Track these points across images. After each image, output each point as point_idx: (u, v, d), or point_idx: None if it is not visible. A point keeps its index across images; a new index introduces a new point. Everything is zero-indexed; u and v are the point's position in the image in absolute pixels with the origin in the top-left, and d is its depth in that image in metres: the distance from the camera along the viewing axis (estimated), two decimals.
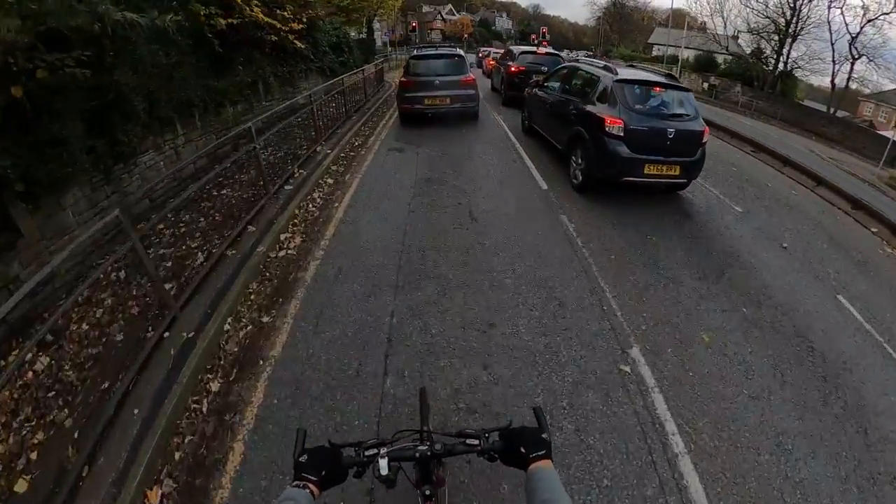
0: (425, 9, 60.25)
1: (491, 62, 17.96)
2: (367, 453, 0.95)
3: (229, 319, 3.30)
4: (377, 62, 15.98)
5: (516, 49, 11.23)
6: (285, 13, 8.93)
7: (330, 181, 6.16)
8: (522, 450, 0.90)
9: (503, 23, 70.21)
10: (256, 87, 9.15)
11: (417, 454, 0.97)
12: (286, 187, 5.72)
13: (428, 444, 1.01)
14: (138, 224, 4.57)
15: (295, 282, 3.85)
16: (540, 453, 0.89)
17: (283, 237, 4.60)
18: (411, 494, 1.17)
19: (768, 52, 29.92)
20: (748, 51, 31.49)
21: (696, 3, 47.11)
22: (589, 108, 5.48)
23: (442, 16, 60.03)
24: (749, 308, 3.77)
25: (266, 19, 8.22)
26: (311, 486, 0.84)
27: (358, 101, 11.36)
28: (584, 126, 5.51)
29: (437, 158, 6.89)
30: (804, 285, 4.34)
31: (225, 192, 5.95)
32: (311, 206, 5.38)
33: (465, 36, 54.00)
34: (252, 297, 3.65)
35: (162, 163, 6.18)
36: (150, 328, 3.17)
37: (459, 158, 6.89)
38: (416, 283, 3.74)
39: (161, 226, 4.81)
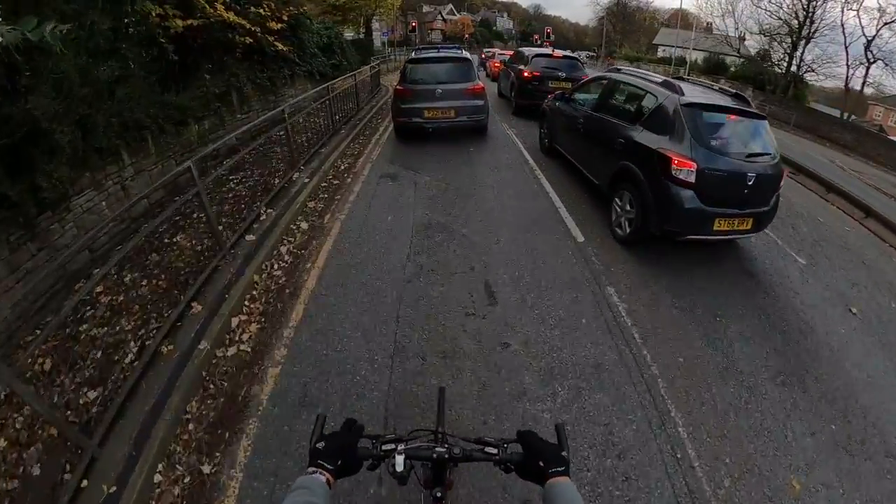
0: (425, 8, 58.54)
1: (496, 64, 16.47)
2: (384, 447, 0.94)
3: (161, 466, 2.25)
4: (373, 64, 14.53)
5: (528, 51, 9.81)
6: (261, 10, 7.47)
7: (304, 226, 4.72)
8: (541, 463, 0.87)
9: (504, 23, 68.50)
10: (229, 97, 7.69)
11: (435, 455, 0.94)
12: (247, 237, 4.29)
13: (447, 446, 0.96)
14: (75, 284, 3.88)
15: (246, 404, 2.59)
16: (559, 469, 0.85)
17: (235, 322, 3.23)
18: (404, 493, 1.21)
19: (780, 54, 28.46)
20: (754, 52, 30.14)
21: (706, 2, 45.60)
22: (642, 137, 4.07)
23: (442, 16, 58.32)
24: (837, 423, 2.76)
25: (235, 19, 6.77)
26: (326, 474, 0.82)
27: (349, 110, 9.91)
28: (635, 162, 4.11)
29: (440, 192, 5.47)
30: (883, 370, 3.24)
31: (179, 238, 4.56)
32: (276, 266, 3.97)
33: (466, 36, 52.35)
34: (190, 426, 2.43)
35: (104, 203, 4.83)
36: (66, 469, 2.23)
37: (467, 192, 5.47)
38: (412, 420, 2.41)
39: (100, 289, 3.59)
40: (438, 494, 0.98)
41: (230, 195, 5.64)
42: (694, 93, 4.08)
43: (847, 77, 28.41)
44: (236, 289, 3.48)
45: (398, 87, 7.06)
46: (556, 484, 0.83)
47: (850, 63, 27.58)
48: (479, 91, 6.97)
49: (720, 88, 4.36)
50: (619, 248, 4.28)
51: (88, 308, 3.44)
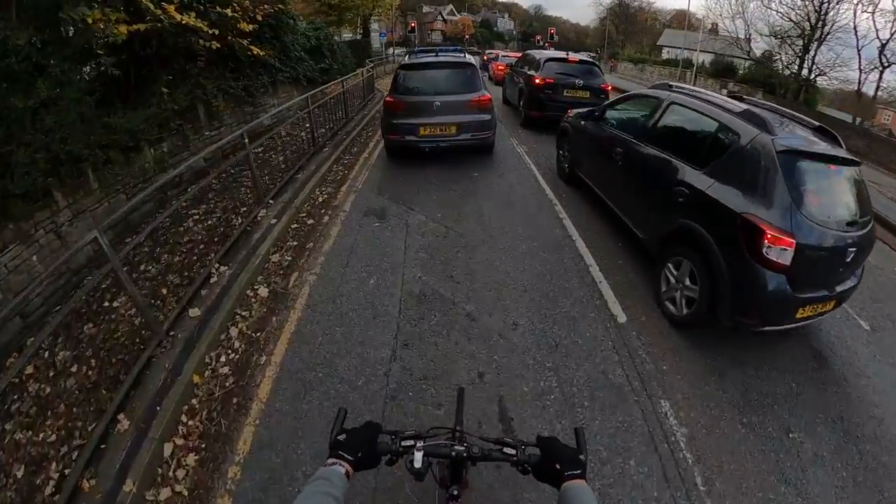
0: (426, 9, 57.14)
1: (500, 67, 15.23)
2: (403, 443, 0.93)
3: None
4: (369, 67, 13.31)
5: (539, 54, 8.53)
6: (228, 11, 6.26)
7: (263, 292, 3.56)
8: (558, 466, 0.86)
9: (505, 24, 67.04)
10: (194, 112, 6.50)
11: (454, 453, 0.93)
12: (190, 311, 3.16)
13: (465, 444, 0.96)
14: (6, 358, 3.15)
15: None
16: (576, 472, 0.84)
17: (168, 449, 2.28)
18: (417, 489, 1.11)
19: (790, 56, 27.18)
20: (758, 55, 28.90)
21: (716, 3, 44.15)
22: (715, 190, 2.92)
23: (443, 16, 56.92)
24: None
25: (192, 21, 5.57)
26: (345, 465, 0.82)
27: (338, 120, 8.70)
28: (702, 222, 2.97)
29: (438, 239, 4.29)
30: None
31: (119, 302, 3.56)
32: (222, 359, 2.89)
33: (467, 37, 50.97)
34: None
35: (35, 257, 3.84)
36: None
37: (473, 240, 4.30)
38: None
39: (30, 369, 2.92)
40: (455, 492, 0.98)
41: (185, 238, 4.53)
42: (786, 130, 2.92)
43: (859, 81, 27.29)
44: (171, 396, 2.47)
45: (389, 98, 5.86)
46: (571, 487, 0.82)
47: (862, 67, 26.55)
48: (486, 103, 5.78)
49: (819, 127, 3.19)
50: (670, 330, 3.13)
51: (16, 397, 2.74)
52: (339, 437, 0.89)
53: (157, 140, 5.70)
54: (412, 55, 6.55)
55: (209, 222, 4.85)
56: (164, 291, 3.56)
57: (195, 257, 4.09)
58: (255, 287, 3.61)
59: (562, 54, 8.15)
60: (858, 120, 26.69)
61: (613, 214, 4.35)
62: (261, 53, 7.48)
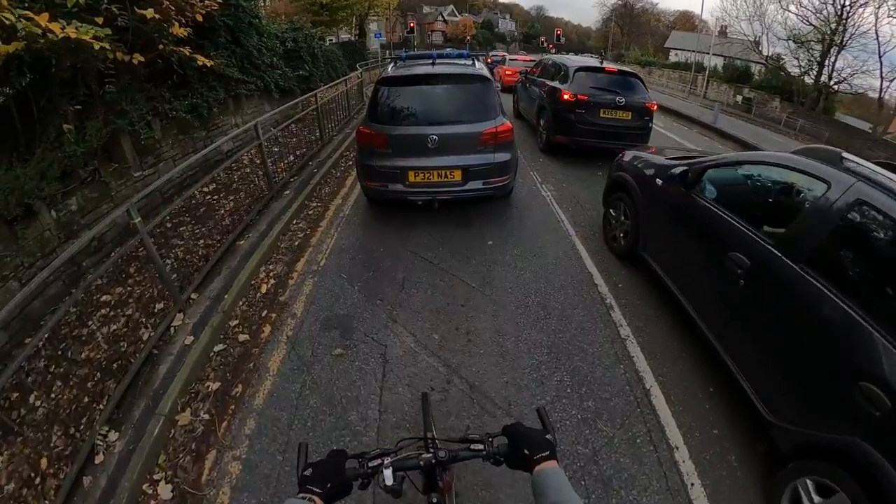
0: (426, 9, 54.86)
1: (508, 72, 13.21)
2: (370, 464, 0.89)
3: None
4: (359, 73, 11.34)
5: (565, 62, 6.48)
6: (148, 13, 4.27)
7: (164, 492, 1.68)
8: (526, 451, 0.83)
9: (506, 25, 64.60)
10: (118, 148, 4.59)
11: (422, 462, 0.90)
12: None
13: (432, 451, 0.92)
14: None
15: None
16: (544, 454, 0.82)
17: None
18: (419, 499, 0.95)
19: (808, 61, 25.13)
20: (760, 57, 26.84)
21: (732, 4, 42.05)
22: None
23: (443, 17, 54.59)
24: None
25: (79, 35, 3.56)
26: (316, 498, 0.77)
27: (311, 144, 6.79)
28: None
29: (434, 397, 2.38)
30: None
31: None
32: None
33: (468, 38, 48.67)
34: None
35: None
36: None
37: (491, 403, 2.40)
38: None
39: None
40: (435, 500, 0.94)
41: (84, 354, 2.74)
42: None
43: (881, 89, 25.29)
44: None
45: (363, 128, 3.93)
46: (542, 471, 0.79)
47: (884, 74, 24.51)
48: (506, 137, 3.85)
49: None
50: None
51: None
52: (305, 473, 0.83)
53: (63, 196, 3.82)
54: (398, 62, 4.42)
55: (115, 326, 3.03)
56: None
57: (83, 404, 2.36)
58: (154, 478, 1.79)
59: (594, 62, 6.18)
60: (878, 128, 24.83)
61: (706, 343, 2.48)
62: (210, 63, 5.52)
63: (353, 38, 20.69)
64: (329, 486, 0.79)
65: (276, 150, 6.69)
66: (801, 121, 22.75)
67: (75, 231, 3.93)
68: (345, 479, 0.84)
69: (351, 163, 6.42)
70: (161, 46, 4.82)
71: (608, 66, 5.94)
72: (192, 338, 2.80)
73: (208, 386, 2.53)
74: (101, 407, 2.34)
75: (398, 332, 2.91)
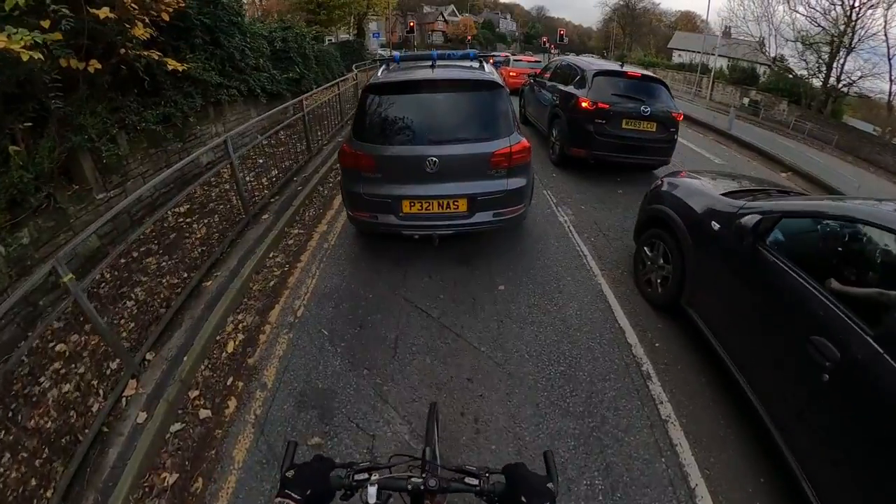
0: (426, 9, 53.94)
1: (513, 74, 12.44)
2: (357, 477, 0.85)
3: None
4: (354, 74, 10.58)
5: (581, 64, 5.74)
6: (102, 13, 3.53)
7: None
8: (524, 498, 0.76)
9: (507, 25, 63.65)
10: (77, 168, 3.92)
11: (410, 486, 0.84)
12: None
13: (424, 476, 0.86)
14: None
15: None
16: None
17: None
18: None
19: (815, 63, 24.35)
20: (766, 59, 26.06)
21: (739, 5, 41.28)
22: None
23: (444, 17, 53.66)
24: None
25: (8, 45, 2.83)
26: None
27: (297, 156, 6.09)
28: None
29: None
30: None
31: None
32: None
33: (469, 38, 47.76)
34: None
35: None
36: None
37: None
38: None
39: None
40: None
41: (31, 426, 2.29)
42: None
43: (890, 93, 24.54)
44: None
45: (346, 147, 3.19)
46: None
47: (893, 77, 23.74)
48: (522, 158, 3.13)
49: None
50: None
51: None
52: (287, 474, 0.80)
53: (13, 227, 3.16)
54: (390, 65, 3.56)
55: (66, 387, 2.47)
56: None
57: (31, 487, 1.95)
58: None
59: (615, 66, 5.45)
60: (889, 132, 24.07)
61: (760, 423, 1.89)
62: (181, 67, 4.78)
63: (351, 38, 19.94)
64: (309, 492, 0.76)
65: (261, 161, 6.00)
66: (809, 124, 22.04)
67: (29, 267, 3.28)
68: (328, 486, 0.81)
69: (340, 178, 5.72)
70: (123, 51, 4.11)
71: (630, 70, 5.21)
72: (144, 414, 2.23)
73: (164, 478, 1.98)
74: (49, 495, 1.86)
75: (389, 418, 2.24)
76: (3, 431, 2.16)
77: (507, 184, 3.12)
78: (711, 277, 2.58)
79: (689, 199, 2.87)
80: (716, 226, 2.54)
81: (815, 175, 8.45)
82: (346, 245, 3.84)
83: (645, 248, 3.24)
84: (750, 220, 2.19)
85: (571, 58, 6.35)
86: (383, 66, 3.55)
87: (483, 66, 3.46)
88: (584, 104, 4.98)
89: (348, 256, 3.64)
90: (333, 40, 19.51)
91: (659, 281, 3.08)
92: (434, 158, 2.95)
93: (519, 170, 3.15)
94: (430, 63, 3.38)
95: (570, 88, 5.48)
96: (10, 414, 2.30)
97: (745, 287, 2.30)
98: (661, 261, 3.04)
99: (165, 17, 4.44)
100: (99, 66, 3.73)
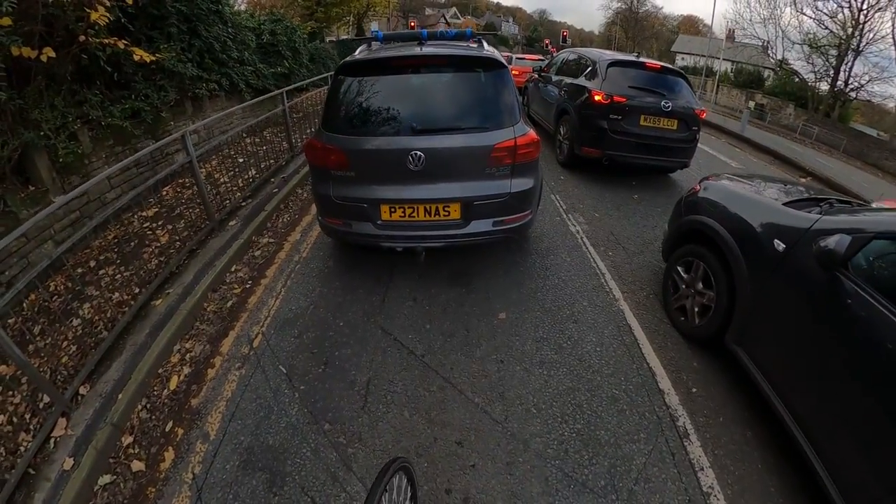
0: (428, 11, 53.54)
1: (514, 71, 11.82)
2: None
3: None
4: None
5: (595, 54, 5.04)
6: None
7: None
8: None
9: (509, 27, 63.06)
10: (30, 166, 3.46)
11: None
12: None
13: None
14: None
15: None
16: None
17: None
18: None
19: (823, 67, 23.70)
20: (773, 62, 25.43)
21: (746, 8, 40.84)
22: None
23: (446, 19, 53.20)
24: None
25: None
26: None
27: (278, 155, 5.50)
28: None
29: None
30: None
31: None
32: None
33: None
34: None
35: None
36: None
37: None
38: None
39: None
40: None
41: None
42: None
43: None
44: None
45: (314, 140, 2.59)
46: None
47: None
48: (529, 154, 2.52)
49: None
50: None
51: None
52: None
53: None
54: (371, 44, 2.99)
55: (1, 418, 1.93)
56: None
57: None
58: None
59: (630, 56, 4.83)
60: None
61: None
62: (150, 58, 4.17)
63: (349, 37, 19.41)
64: None
65: (241, 161, 5.41)
66: (816, 129, 21.41)
67: None
68: None
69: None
70: (83, 38, 3.53)
71: (648, 61, 4.59)
72: (72, 461, 1.87)
73: None
74: None
75: (353, 493, 1.66)
76: None
77: (511, 185, 2.52)
78: (772, 311, 1.97)
79: (739, 210, 2.26)
80: (780, 245, 1.93)
81: (835, 180, 7.84)
82: (320, 258, 3.23)
83: (678, 267, 2.62)
84: (840, 242, 1.59)
85: (581, 49, 5.73)
86: (363, 46, 2.96)
87: (482, 45, 2.86)
88: (597, 97, 4.35)
89: (320, 272, 3.03)
90: (334, 39, 19.00)
91: (697, 310, 2.47)
92: (419, 153, 2.35)
93: (525, 168, 2.55)
94: (418, 41, 2.78)
95: (581, 81, 4.85)
96: None
97: (821, 326, 1.71)
98: (701, 285, 2.43)
99: (129, 0, 3.88)
100: (53, 54, 3.20)
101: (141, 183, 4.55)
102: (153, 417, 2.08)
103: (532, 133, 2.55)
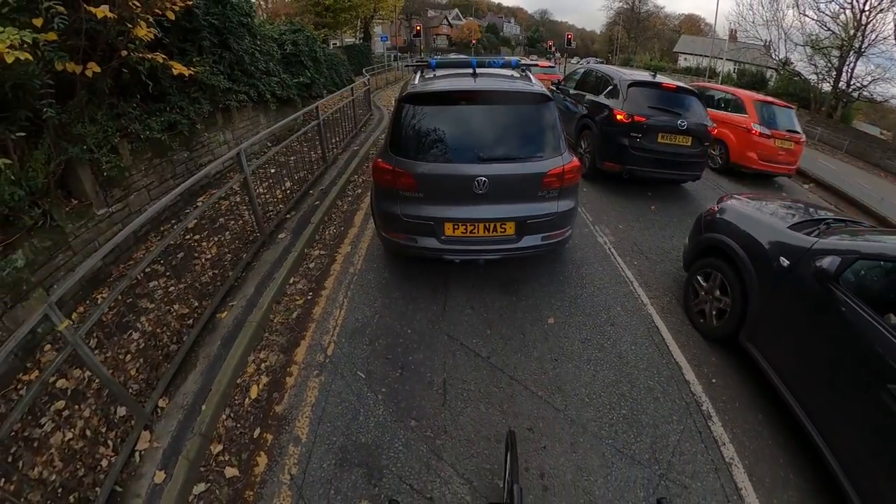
0: (431, 13, 54.02)
1: None
2: None
3: None
4: (366, 79, 10.44)
5: (612, 73, 5.50)
6: (101, 11, 3.31)
7: None
8: None
9: (511, 28, 63.75)
10: (75, 180, 3.73)
11: None
12: None
13: None
14: None
15: None
16: None
17: None
18: None
19: (824, 67, 24.33)
20: (775, 62, 26.10)
21: (749, 9, 41.67)
22: None
23: (448, 20, 53.70)
24: None
25: None
26: None
27: (311, 166, 5.91)
28: None
29: None
30: None
31: None
32: None
33: (473, 42, 47.75)
34: None
35: None
36: None
37: None
38: None
39: None
40: None
41: (33, 477, 2.03)
42: None
43: None
44: None
45: (382, 162, 2.96)
46: None
47: None
48: (573, 179, 2.95)
49: None
50: None
51: None
52: None
53: (5, 249, 2.96)
54: (425, 71, 3.43)
55: (70, 434, 2.27)
56: None
57: None
58: None
59: (647, 76, 5.29)
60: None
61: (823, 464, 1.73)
62: (188, 71, 4.57)
63: (357, 42, 19.83)
64: None
65: (273, 171, 5.82)
66: (819, 129, 21.97)
67: (25, 292, 3.08)
68: None
69: (360, 191, 5.52)
70: (125, 53, 3.86)
71: (665, 81, 5.06)
72: (163, 474, 2.01)
73: None
74: None
75: (447, 478, 2.04)
76: (3, 479, 1.95)
77: (558, 206, 2.94)
78: (778, 315, 2.42)
79: (750, 230, 2.71)
80: (785, 262, 2.38)
81: (838, 187, 8.33)
82: (374, 269, 3.64)
83: (698, 276, 3.07)
84: (831, 263, 2.06)
85: (598, 66, 6.20)
86: (418, 73, 3.37)
87: (528, 77, 3.29)
88: (619, 117, 4.82)
89: (378, 283, 3.45)
90: (338, 43, 19.42)
91: (714, 313, 2.91)
92: (483, 178, 2.77)
93: (569, 191, 2.98)
94: (469, 70, 3.20)
95: (602, 99, 5.32)
96: (10, 459, 2.09)
97: (817, 328, 2.17)
98: (718, 292, 2.87)
99: (171, 15, 4.07)
100: (98, 69, 3.39)
101: (179, 195, 4.99)
102: (239, 425, 2.30)
103: (576, 161, 2.97)
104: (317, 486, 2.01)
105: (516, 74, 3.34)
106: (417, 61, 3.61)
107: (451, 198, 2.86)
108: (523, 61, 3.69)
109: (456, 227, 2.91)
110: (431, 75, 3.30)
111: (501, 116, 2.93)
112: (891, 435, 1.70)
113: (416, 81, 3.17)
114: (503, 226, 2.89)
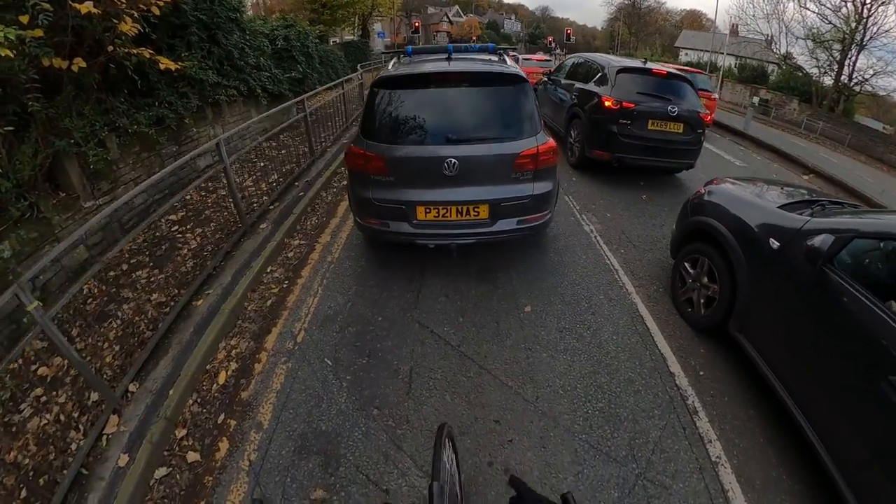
0: (430, 10, 53.63)
1: None
2: None
3: None
4: (360, 73, 10.27)
5: (603, 60, 5.34)
6: (84, 7, 3.21)
7: None
8: None
9: (512, 25, 63.24)
10: (62, 174, 3.69)
11: None
12: None
13: None
14: None
15: None
16: None
17: None
18: None
19: (826, 61, 23.84)
20: (776, 57, 25.62)
21: (749, 3, 41.03)
22: None
23: (448, 17, 53.31)
24: None
25: None
26: None
27: (299, 159, 5.78)
28: None
29: None
30: None
31: None
32: None
33: (473, 39, 47.41)
34: None
35: None
36: None
37: None
38: None
39: None
40: None
41: (9, 460, 1.77)
42: None
43: None
44: None
45: (355, 147, 2.86)
46: None
47: None
48: (549, 160, 2.80)
49: None
50: None
51: None
52: None
53: None
54: (401, 58, 3.37)
55: (46, 418, 2.25)
56: None
57: None
58: None
59: (637, 63, 5.10)
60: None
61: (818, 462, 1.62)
62: (175, 66, 4.45)
63: (355, 39, 19.66)
64: None
65: (262, 164, 5.70)
66: (821, 123, 21.56)
67: (12, 281, 3.01)
68: None
69: (345, 182, 5.37)
70: (111, 48, 3.80)
71: (655, 67, 4.86)
72: (126, 457, 1.98)
73: None
74: None
75: (405, 469, 1.92)
76: None
77: (533, 188, 2.79)
78: (769, 302, 2.24)
79: (739, 212, 2.53)
80: (775, 244, 2.20)
81: (838, 178, 8.07)
82: (352, 258, 3.51)
83: (685, 263, 2.90)
84: (824, 241, 1.86)
85: (589, 55, 6.02)
86: (394, 59, 3.25)
87: (504, 60, 3.14)
88: (607, 103, 4.63)
89: (354, 272, 3.31)
90: (337, 41, 19.25)
91: (702, 301, 2.74)
92: (453, 160, 2.63)
93: (545, 173, 2.82)
94: (446, 55, 3.06)
95: (591, 86, 5.13)
96: None
97: (811, 315, 1.98)
98: (706, 279, 2.70)
99: (156, 10, 4.07)
100: (83, 64, 3.42)
101: (167, 188, 4.91)
102: (205, 411, 2.25)
103: (551, 141, 2.82)
104: (274, 474, 1.93)
105: (494, 58, 3.20)
106: (394, 50, 3.50)
107: (421, 181, 2.73)
108: (511, 54, 3.55)
109: (428, 210, 2.77)
110: (407, 61, 3.20)
111: (473, 98, 2.80)
112: (891, 430, 1.53)
113: (391, 67, 3.07)
114: (476, 209, 2.74)
